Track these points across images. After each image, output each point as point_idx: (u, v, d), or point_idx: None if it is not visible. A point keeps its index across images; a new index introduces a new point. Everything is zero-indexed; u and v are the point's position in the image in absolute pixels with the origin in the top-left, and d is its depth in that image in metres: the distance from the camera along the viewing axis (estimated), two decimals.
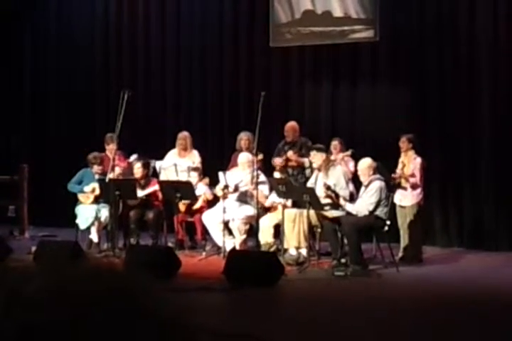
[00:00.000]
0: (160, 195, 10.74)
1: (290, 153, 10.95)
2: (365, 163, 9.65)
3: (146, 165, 10.94)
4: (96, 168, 10.77)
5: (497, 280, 8.76)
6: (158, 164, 11.31)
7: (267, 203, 10.47)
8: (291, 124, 11.22)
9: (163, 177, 11.16)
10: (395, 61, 12.08)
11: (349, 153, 10.78)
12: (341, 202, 9.67)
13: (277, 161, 10.93)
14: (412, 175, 10.03)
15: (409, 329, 6.60)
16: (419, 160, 10.11)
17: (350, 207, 9.58)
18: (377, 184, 9.45)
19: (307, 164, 10.73)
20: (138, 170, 10.84)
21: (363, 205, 9.43)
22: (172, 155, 11.45)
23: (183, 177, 10.99)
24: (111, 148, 11.07)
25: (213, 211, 10.53)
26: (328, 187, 9.70)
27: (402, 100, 11.99)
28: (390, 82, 12.14)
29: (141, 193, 10.67)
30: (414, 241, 10.09)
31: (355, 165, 10.24)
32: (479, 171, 11.45)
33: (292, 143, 11.07)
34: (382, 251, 9.61)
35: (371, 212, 9.38)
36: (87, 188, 10.69)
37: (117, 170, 10.82)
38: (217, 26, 13.25)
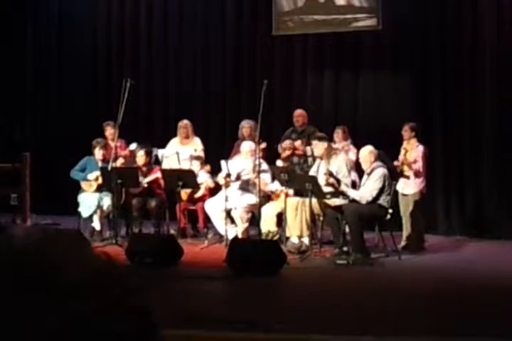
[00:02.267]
0: (162, 183, 10.74)
1: (298, 143, 10.94)
2: (366, 149, 9.64)
3: (148, 153, 10.94)
4: (97, 153, 10.75)
5: (499, 268, 8.76)
6: (160, 152, 11.31)
7: (269, 188, 10.44)
8: (301, 111, 11.26)
9: (165, 165, 11.17)
10: (397, 49, 12.05)
11: (348, 142, 10.76)
12: (343, 188, 9.65)
13: (285, 145, 10.92)
14: (415, 162, 10.03)
15: (412, 317, 6.60)
16: (421, 148, 10.11)
17: (352, 193, 9.56)
18: (381, 171, 9.44)
19: (309, 152, 10.72)
20: (141, 157, 10.84)
21: (366, 192, 9.42)
22: (174, 143, 11.45)
23: (185, 165, 11.00)
24: (110, 134, 11.07)
25: (215, 199, 10.53)
26: (330, 174, 9.69)
27: (405, 89, 11.98)
28: (392, 70, 12.12)
29: (143, 181, 10.68)
30: (417, 229, 10.09)
31: (357, 154, 10.22)
32: (481, 160, 11.44)
33: (300, 132, 11.08)
34: (385, 239, 9.61)
35: (374, 199, 9.37)
36: (91, 176, 10.67)
37: (120, 160, 10.84)
38: (220, 15, 13.21)
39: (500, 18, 11.43)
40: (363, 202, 9.41)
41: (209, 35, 13.28)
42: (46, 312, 0.88)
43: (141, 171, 10.77)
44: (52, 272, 0.90)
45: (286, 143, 10.97)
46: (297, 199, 9.93)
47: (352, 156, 10.52)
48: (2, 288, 0.89)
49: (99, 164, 10.74)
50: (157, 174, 10.68)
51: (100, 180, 10.56)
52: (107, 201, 10.54)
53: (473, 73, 11.55)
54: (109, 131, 11.10)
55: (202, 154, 11.27)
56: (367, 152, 9.60)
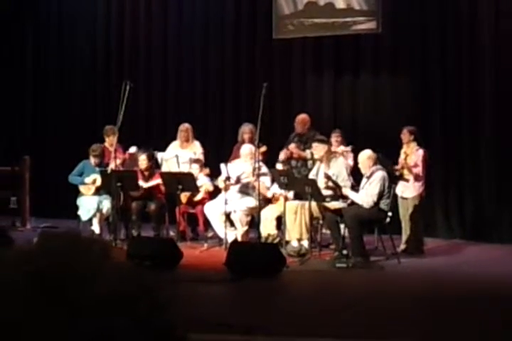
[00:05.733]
0: (163, 189, 10.75)
1: (292, 146, 10.96)
2: (365, 154, 9.63)
3: (150, 157, 10.94)
4: (92, 159, 10.77)
5: (498, 272, 8.75)
6: (159, 155, 11.31)
7: (269, 194, 10.47)
8: (301, 117, 11.25)
9: (164, 168, 11.18)
10: (397, 53, 12.06)
11: (349, 149, 10.77)
12: (346, 192, 9.65)
13: (283, 154, 10.96)
14: (415, 166, 10.03)
15: (411, 320, 6.59)
16: (421, 151, 10.11)
17: (355, 196, 9.54)
18: (380, 174, 9.43)
19: (309, 156, 10.73)
20: (143, 161, 10.85)
21: (368, 196, 9.40)
22: (174, 146, 11.46)
23: (184, 168, 11.00)
24: (111, 140, 11.06)
25: (215, 202, 10.53)
26: (328, 177, 9.70)
27: (404, 92, 11.99)
28: (392, 73, 12.13)
29: (144, 185, 10.69)
30: (416, 232, 10.09)
31: (355, 159, 10.23)
32: (481, 163, 11.44)
33: (301, 136, 11.10)
34: (384, 242, 9.61)
35: (375, 203, 9.35)
36: (88, 179, 10.69)
37: (118, 161, 10.83)
38: (220, 17, 13.21)
39: (498, 21, 11.42)
40: (365, 206, 9.39)
41: (209, 39, 13.28)
42: (70, 326, 0.86)
43: (143, 175, 10.78)
44: (77, 285, 0.88)
45: (285, 153, 10.98)
46: (296, 202, 9.93)
47: (350, 162, 10.52)
48: (24, 299, 0.87)
49: (97, 168, 10.74)
50: (158, 180, 10.69)
51: (98, 183, 10.56)
52: (106, 204, 10.54)
53: (473, 76, 11.55)
54: (111, 138, 11.05)
55: (201, 157, 11.27)
56: (365, 157, 9.58)
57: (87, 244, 0.97)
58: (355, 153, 10.30)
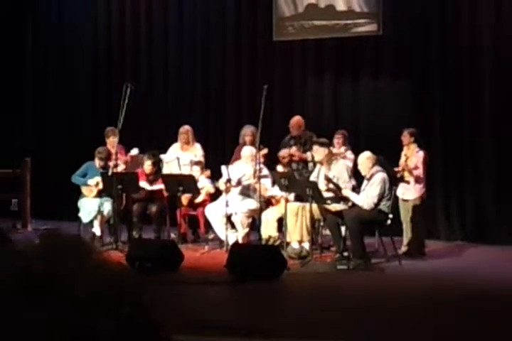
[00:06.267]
0: (165, 194, 10.76)
1: (293, 149, 10.95)
2: (364, 155, 9.64)
3: (155, 164, 10.93)
4: (97, 161, 10.77)
5: (499, 274, 8.75)
6: (160, 157, 11.32)
7: (268, 193, 10.44)
8: (296, 119, 11.21)
9: (165, 170, 11.18)
10: (397, 55, 12.06)
11: (342, 150, 10.78)
12: (346, 193, 9.64)
13: (282, 153, 10.94)
14: (415, 168, 10.03)
15: (411, 322, 6.60)
16: (421, 153, 10.11)
17: (355, 198, 9.54)
18: (381, 175, 9.43)
19: (310, 158, 10.72)
20: (148, 167, 10.85)
21: (368, 197, 9.40)
22: (175, 149, 11.46)
23: (185, 170, 11.00)
24: (111, 142, 11.08)
25: (216, 204, 10.53)
26: (328, 179, 9.70)
27: (405, 94, 11.99)
28: (392, 75, 12.12)
29: (147, 186, 10.71)
30: (417, 234, 10.08)
31: (355, 160, 10.23)
32: (482, 165, 11.44)
33: (297, 138, 11.08)
34: (385, 244, 9.60)
35: (376, 205, 9.35)
36: (91, 181, 10.66)
37: (121, 166, 10.84)
38: (220, 20, 13.21)
39: (499, 24, 11.43)
40: (366, 207, 9.38)
41: (209, 41, 13.28)
42: (53, 327, 0.86)
43: (148, 179, 10.80)
44: (61, 286, 0.88)
45: (284, 151, 10.96)
46: (297, 204, 9.93)
47: (349, 163, 10.50)
48: (10, 300, 0.88)
49: (100, 170, 10.75)
50: (161, 185, 10.70)
51: (101, 186, 10.55)
52: (107, 206, 10.52)
53: (473, 77, 11.56)
54: (111, 139, 11.08)
55: (202, 159, 11.28)
56: (364, 158, 9.59)
57: (70, 244, 0.98)
58: (357, 153, 10.30)
